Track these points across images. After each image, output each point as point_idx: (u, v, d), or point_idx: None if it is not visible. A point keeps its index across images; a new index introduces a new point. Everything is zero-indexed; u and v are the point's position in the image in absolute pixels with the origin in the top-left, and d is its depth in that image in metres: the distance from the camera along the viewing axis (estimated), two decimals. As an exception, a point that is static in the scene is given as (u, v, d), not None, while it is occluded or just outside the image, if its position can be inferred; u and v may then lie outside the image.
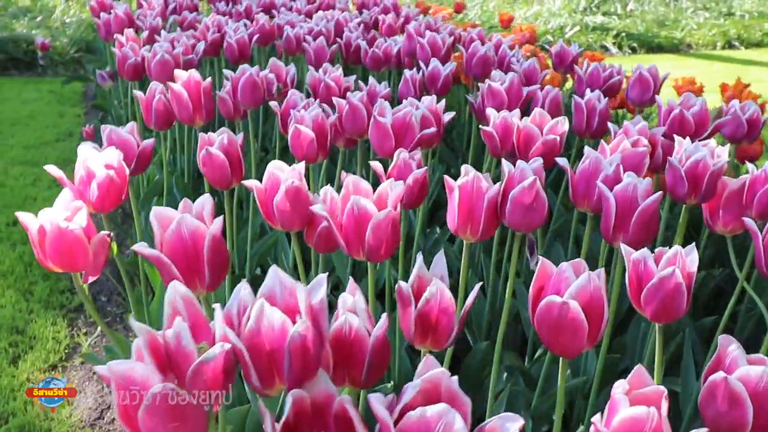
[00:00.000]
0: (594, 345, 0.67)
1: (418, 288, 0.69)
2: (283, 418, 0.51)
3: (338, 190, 0.80)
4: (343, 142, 1.30)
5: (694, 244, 0.70)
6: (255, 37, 1.74)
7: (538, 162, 0.86)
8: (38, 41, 3.14)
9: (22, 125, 3.13)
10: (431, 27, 2.06)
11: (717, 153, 1.02)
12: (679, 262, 0.69)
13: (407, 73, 1.50)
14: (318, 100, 1.26)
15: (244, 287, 0.55)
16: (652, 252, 0.72)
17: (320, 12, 2.28)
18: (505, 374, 1.21)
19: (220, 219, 0.71)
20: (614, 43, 5.96)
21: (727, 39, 6.33)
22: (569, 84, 2.43)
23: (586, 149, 0.97)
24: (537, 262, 0.90)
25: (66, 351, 1.59)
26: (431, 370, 0.51)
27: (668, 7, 7.45)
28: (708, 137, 1.20)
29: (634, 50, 5.99)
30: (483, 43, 1.94)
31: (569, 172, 0.96)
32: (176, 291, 0.57)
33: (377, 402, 0.48)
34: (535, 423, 1.01)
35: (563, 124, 1.11)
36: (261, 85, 1.38)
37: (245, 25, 1.88)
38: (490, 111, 1.17)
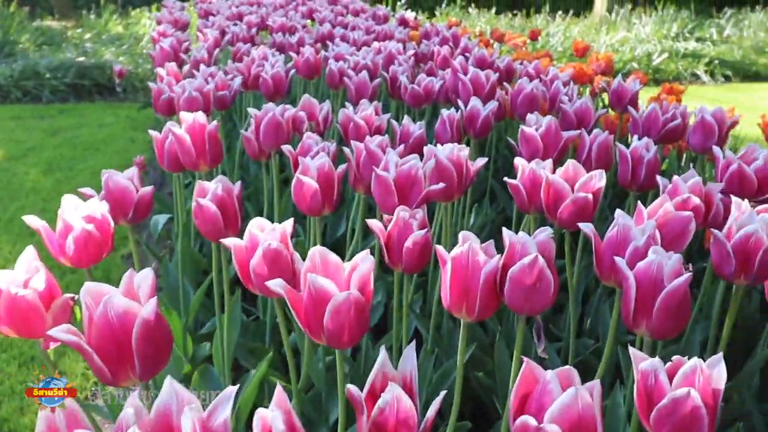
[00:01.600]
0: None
1: (381, 388, 0.59)
2: None
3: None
4: (363, 188, 1.21)
5: (720, 355, 0.56)
6: (292, 72, 1.68)
7: (545, 233, 0.74)
8: (116, 68, 3.27)
9: (94, 150, 3.25)
10: (485, 61, 1.95)
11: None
12: (700, 378, 0.55)
13: (444, 113, 1.40)
14: (327, 145, 1.17)
15: (132, 398, 0.46)
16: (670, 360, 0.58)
17: (374, 44, 2.22)
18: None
19: (153, 300, 0.63)
20: (706, 71, 5.60)
21: (835, 67, 5.83)
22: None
23: (617, 213, 0.83)
24: (545, 349, 0.77)
25: (92, 389, 1.57)
26: None
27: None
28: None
29: (728, 78, 5.61)
30: (539, 77, 1.81)
31: (594, 239, 0.83)
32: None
33: None
34: None
35: (599, 180, 0.97)
36: (285, 126, 1.31)
37: (290, 57, 1.83)
38: (518, 161, 1.05)
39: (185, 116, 1.12)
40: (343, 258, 0.71)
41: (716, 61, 5.71)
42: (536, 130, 1.19)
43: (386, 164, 0.97)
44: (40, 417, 0.47)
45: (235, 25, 2.53)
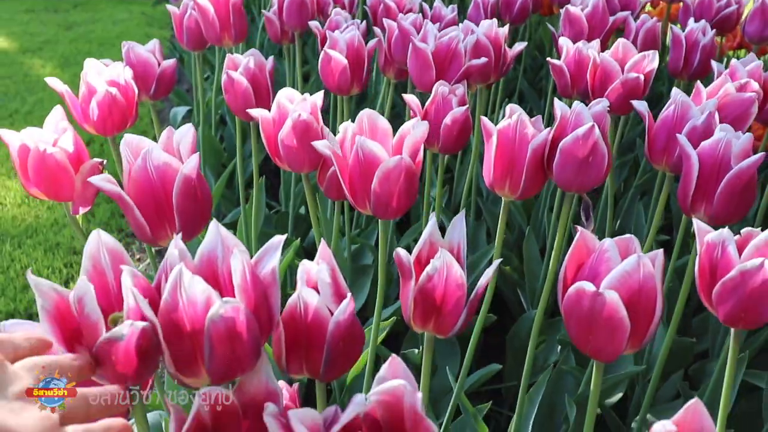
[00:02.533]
0: (640, 348, 0.51)
1: (427, 257, 0.55)
2: (188, 422, 0.39)
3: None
4: (393, 72, 1.15)
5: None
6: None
7: (601, 105, 0.68)
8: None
9: (109, 45, 3.15)
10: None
11: None
12: (772, 253, 0.51)
13: (479, -4, 1.31)
14: (357, 21, 1.09)
15: (176, 241, 0.43)
16: (739, 233, 0.54)
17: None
18: (558, 347, 1.06)
19: (195, 156, 0.59)
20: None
21: None
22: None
23: (674, 91, 0.77)
24: (594, 229, 0.73)
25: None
26: (393, 381, 0.38)
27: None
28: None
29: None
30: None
31: (647, 119, 0.77)
32: (100, 242, 0.46)
33: (298, 420, 0.36)
34: (580, 410, 0.86)
35: (652, 60, 0.90)
36: (310, 5, 1.23)
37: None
38: (563, 41, 0.98)
39: None
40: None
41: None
42: (582, 10, 1.11)
43: (425, 36, 0.90)
44: (85, 254, 0.44)
45: None
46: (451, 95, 0.82)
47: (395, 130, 0.64)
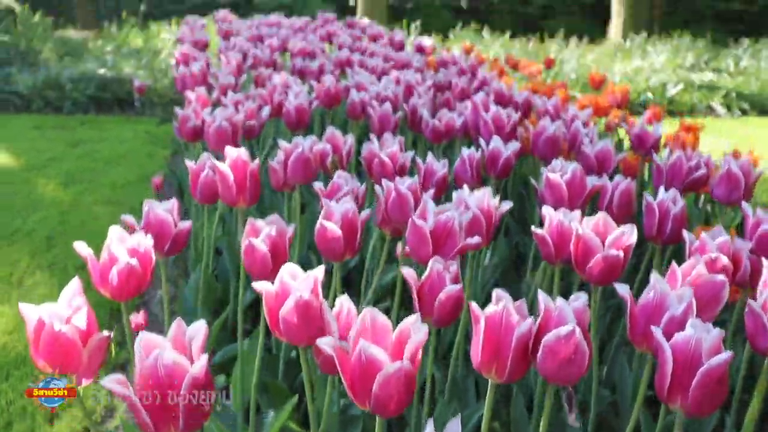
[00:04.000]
0: None
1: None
2: None
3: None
4: (389, 229, 1.22)
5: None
6: (315, 103, 1.70)
7: (580, 302, 0.73)
8: (136, 84, 3.30)
9: (113, 164, 3.27)
10: (503, 96, 1.96)
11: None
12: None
13: (465, 152, 1.40)
14: (356, 186, 1.18)
15: None
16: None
17: (393, 72, 2.24)
18: None
19: (204, 358, 0.63)
20: (722, 104, 5.59)
21: None
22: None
23: (653, 276, 0.83)
24: (576, 418, 0.77)
25: (102, 414, 1.56)
26: None
27: (787, 64, 6.95)
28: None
29: (744, 112, 5.59)
30: (558, 116, 1.82)
31: (629, 302, 0.82)
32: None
33: None
34: None
35: (630, 236, 0.97)
36: (313, 162, 1.32)
37: (311, 86, 1.85)
38: (545, 210, 1.06)
39: (230, 152, 1.13)
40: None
41: (733, 94, 5.69)
42: (561, 176, 1.20)
43: (423, 212, 0.97)
44: None
45: (256, 47, 2.55)
46: (445, 272, 0.88)
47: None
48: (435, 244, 0.94)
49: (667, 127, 2.97)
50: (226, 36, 3.14)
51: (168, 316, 1.17)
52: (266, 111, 1.63)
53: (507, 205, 1.14)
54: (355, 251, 1.05)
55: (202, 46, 2.75)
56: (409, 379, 0.66)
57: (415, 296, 0.89)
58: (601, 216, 1.01)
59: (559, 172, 1.21)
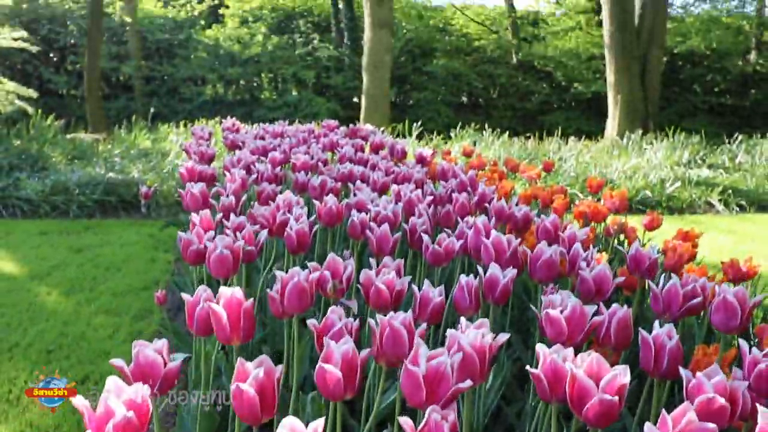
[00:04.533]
0: None
1: None
2: None
3: None
4: (384, 361, 1.22)
5: None
6: (316, 227, 1.74)
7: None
8: (142, 190, 3.38)
9: (114, 270, 3.30)
10: (503, 212, 2.00)
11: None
12: None
13: (463, 279, 1.42)
14: (349, 321, 1.19)
15: None
16: None
17: (393, 186, 2.30)
18: None
19: None
20: (720, 200, 5.67)
21: None
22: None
23: (646, 427, 0.83)
24: None
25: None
26: None
27: (781, 160, 7.09)
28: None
29: (742, 208, 5.66)
30: (556, 234, 1.85)
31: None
32: None
33: None
34: None
35: (623, 376, 0.97)
36: (309, 291, 1.34)
37: (310, 204, 1.89)
38: (539, 348, 1.06)
39: (224, 291, 1.15)
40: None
41: (730, 190, 5.78)
42: (561, 312, 1.21)
43: (415, 357, 0.98)
44: None
45: (260, 161, 2.63)
46: (443, 421, 0.88)
47: None
48: (428, 390, 0.94)
49: (666, 225, 2.99)
50: (231, 147, 3.25)
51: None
52: (264, 235, 1.67)
53: (504, 338, 1.14)
54: (355, 390, 1.05)
55: (208, 158, 2.84)
56: None
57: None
58: (594, 358, 1.01)
59: (559, 307, 1.22)
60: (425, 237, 1.67)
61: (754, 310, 1.32)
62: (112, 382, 0.94)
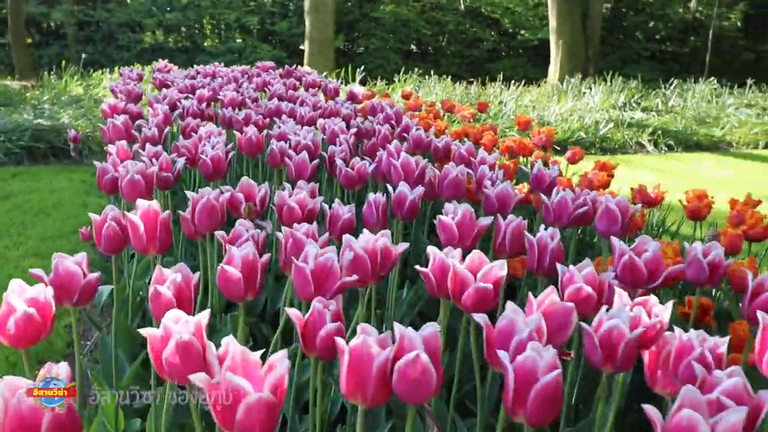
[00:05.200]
0: None
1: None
2: None
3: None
4: (289, 270, 1.28)
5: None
6: (232, 153, 1.76)
7: (429, 330, 0.81)
8: (70, 134, 3.31)
9: (44, 215, 3.25)
10: (421, 142, 2.07)
11: (655, 312, 0.95)
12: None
13: (371, 197, 1.49)
14: (256, 233, 1.24)
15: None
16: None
17: (320, 121, 2.33)
18: None
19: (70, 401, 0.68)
20: (650, 141, 5.88)
21: (770, 137, 6.18)
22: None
23: (507, 306, 0.91)
24: (438, 428, 0.83)
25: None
26: None
27: (711, 104, 7.38)
28: (663, 285, 1.13)
29: (671, 148, 5.90)
30: (468, 160, 1.93)
31: (486, 329, 0.91)
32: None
33: None
34: None
35: (500, 269, 1.06)
36: (220, 209, 1.38)
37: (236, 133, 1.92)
38: (430, 250, 1.14)
39: (141, 203, 1.19)
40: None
41: (659, 131, 6.00)
42: (452, 218, 1.29)
43: (306, 256, 1.04)
44: None
45: (187, 98, 2.62)
46: (325, 310, 0.95)
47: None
48: (316, 284, 1.01)
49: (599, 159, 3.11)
50: (160, 86, 3.20)
51: (79, 361, 1.20)
52: (181, 162, 1.69)
53: (402, 247, 1.22)
54: (256, 292, 1.11)
55: (135, 97, 2.80)
56: (271, 409, 0.72)
57: (299, 333, 0.95)
58: (475, 254, 1.10)
59: (451, 215, 1.30)
60: (339, 161, 1.72)
61: (634, 215, 1.43)
62: (16, 283, 0.97)
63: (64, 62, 6.70)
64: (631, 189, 2.51)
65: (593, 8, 9.35)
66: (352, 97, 3.10)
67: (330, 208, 1.46)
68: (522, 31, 12.92)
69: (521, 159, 3.15)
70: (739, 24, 13.46)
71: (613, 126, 5.99)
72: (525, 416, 0.79)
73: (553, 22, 8.86)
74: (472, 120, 3.93)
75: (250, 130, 1.95)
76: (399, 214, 1.52)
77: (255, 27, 11.72)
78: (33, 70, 7.26)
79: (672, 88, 8.13)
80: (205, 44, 11.53)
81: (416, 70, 8.20)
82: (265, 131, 2.06)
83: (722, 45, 13.05)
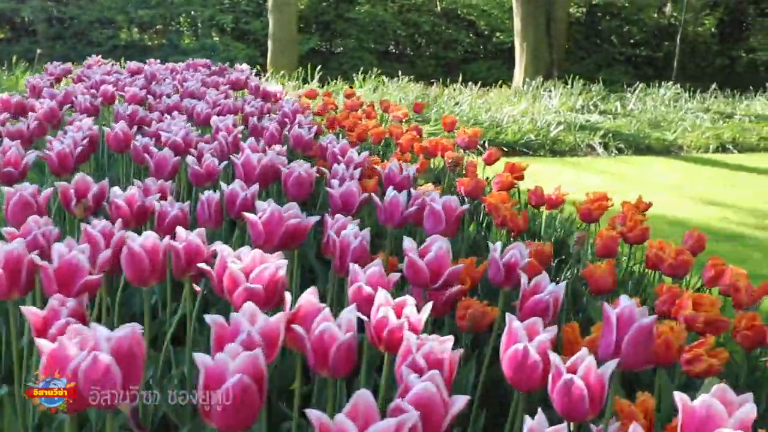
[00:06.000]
0: None
1: None
2: None
3: None
4: (95, 269, 1.26)
5: None
6: (79, 149, 1.73)
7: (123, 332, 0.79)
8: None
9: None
10: (300, 139, 2.05)
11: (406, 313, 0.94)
12: None
13: (203, 195, 1.47)
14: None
15: None
16: None
17: (214, 118, 2.31)
18: None
19: None
20: (601, 143, 5.90)
21: (720, 142, 6.22)
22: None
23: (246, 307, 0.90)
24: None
25: None
26: None
27: (669, 108, 7.41)
28: (446, 286, 1.12)
29: (621, 151, 5.91)
30: (338, 159, 1.92)
31: (215, 328, 0.89)
32: None
33: None
34: None
35: (279, 270, 1.05)
36: (34, 205, 1.36)
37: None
38: (218, 248, 1.12)
39: None
40: None
41: (611, 134, 6.02)
42: (260, 216, 1.27)
43: (50, 255, 1.02)
44: None
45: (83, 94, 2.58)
46: (61, 307, 0.93)
47: None
48: (59, 283, 0.99)
49: (541, 166, 3.06)
50: (77, 81, 3.17)
51: None
52: (31, 157, 1.66)
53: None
54: (22, 290, 1.08)
55: (38, 92, 2.76)
56: None
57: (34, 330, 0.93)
58: (257, 252, 1.08)
59: (260, 212, 1.28)
60: (190, 159, 1.70)
61: (461, 215, 1.41)
62: None
63: (15, 58, 6.61)
64: (528, 191, 2.51)
65: (557, 12, 9.37)
66: (264, 95, 3.08)
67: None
68: (498, 34, 12.94)
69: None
70: (713, 30, 13.55)
71: (566, 129, 6.00)
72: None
73: (517, 25, 8.88)
74: (403, 120, 3.92)
75: (118, 126, 1.93)
76: (231, 212, 1.49)
77: (229, 25, 11.66)
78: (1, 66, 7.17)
79: (636, 92, 8.15)
80: (182, 42, 11.46)
81: (389, 71, 8.16)
82: (134, 129, 2.03)
83: (697, 50, 13.14)
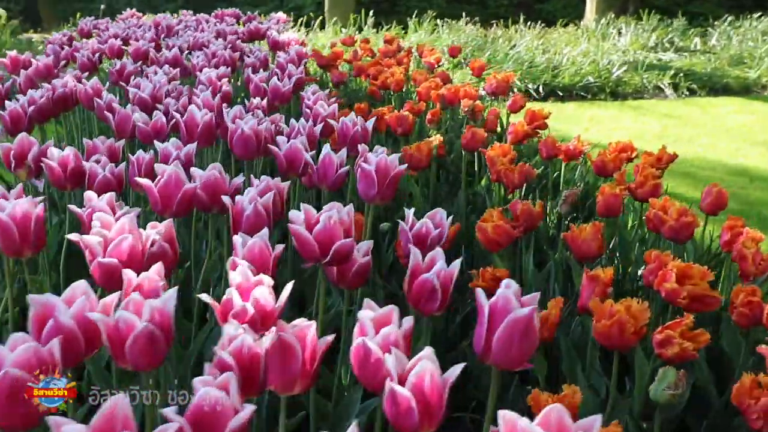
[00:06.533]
0: None
1: None
2: None
3: None
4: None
5: None
6: (32, 108, 1.69)
7: None
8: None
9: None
10: (277, 92, 1.93)
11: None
12: None
13: (133, 157, 1.39)
14: None
15: None
16: None
17: (205, 70, 2.22)
18: None
19: None
20: (670, 84, 5.40)
21: (807, 79, 5.55)
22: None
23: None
24: None
25: None
26: None
27: (757, 42, 6.68)
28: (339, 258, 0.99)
29: (693, 92, 5.39)
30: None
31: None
32: None
33: None
34: None
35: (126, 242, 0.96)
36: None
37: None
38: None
39: None
40: None
41: (682, 74, 5.50)
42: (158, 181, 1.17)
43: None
44: None
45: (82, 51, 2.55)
46: None
47: None
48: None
49: (592, 111, 2.79)
50: (85, 36, 3.16)
51: None
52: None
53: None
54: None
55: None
56: None
57: None
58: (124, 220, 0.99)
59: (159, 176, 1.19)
60: (137, 116, 1.62)
61: (398, 178, 1.26)
62: None
63: (78, 15, 6.75)
64: (538, 141, 2.29)
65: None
66: (274, 45, 2.96)
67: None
68: (575, -32, 12.09)
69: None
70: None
71: (632, 69, 5.53)
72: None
73: (591, -45, 8.21)
74: (436, 66, 3.68)
75: (90, 83, 1.87)
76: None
77: (295, -28, 11.47)
78: (56, 22, 7.42)
79: (726, 25, 7.38)
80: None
81: (458, 13, 7.74)
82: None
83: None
